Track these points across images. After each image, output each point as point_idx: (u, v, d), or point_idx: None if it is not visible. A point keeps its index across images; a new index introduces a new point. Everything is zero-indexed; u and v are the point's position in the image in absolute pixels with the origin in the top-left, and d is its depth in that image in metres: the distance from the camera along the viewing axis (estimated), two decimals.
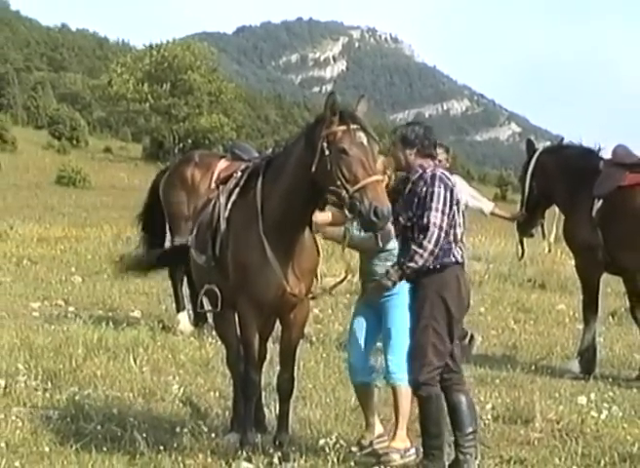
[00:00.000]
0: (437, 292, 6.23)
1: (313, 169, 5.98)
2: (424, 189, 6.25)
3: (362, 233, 6.35)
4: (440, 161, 9.74)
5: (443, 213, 6.19)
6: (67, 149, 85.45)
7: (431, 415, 6.28)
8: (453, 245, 6.29)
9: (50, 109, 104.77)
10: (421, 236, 6.15)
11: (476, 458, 6.52)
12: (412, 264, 6.16)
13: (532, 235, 10.55)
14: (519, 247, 10.58)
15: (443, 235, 6.18)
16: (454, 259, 6.29)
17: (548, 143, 10.79)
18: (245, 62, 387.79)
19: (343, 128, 5.98)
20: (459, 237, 6.38)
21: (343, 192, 5.89)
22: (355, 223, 6.23)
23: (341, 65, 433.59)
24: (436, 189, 6.24)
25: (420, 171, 6.36)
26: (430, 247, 6.14)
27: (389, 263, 6.48)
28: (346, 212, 5.97)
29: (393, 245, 6.59)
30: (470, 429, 6.42)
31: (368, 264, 6.79)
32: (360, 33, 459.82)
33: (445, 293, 6.24)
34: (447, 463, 6.41)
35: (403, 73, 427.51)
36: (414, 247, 6.16)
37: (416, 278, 6.30)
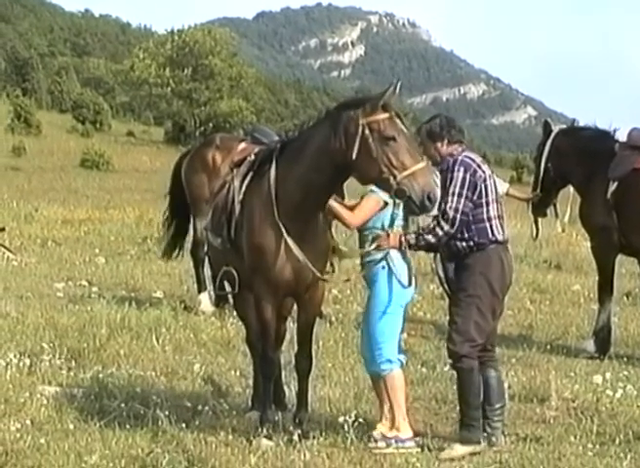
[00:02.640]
0: (481, 271, 6.46)
1: (354, 156, 6.08)
2: (447, 175, 6.50)
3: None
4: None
5: (460, 195, 6.42)
6: (91, 133, 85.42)
7: (472, 386, 6.50)
8: (488, 223, 6.51)
9: (74, 94, 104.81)
10: (441, 217, 6.40)
11: (503, 433, 6.70)
12: (428, 237, 6.44)
13: (545, 215, 10.61)
14: (534, 227, 10.66)
15: (459, 217, 6.41)
16: (493, 238, 6.50)
17: (564, 126, 10.79)
18: (265, 47, 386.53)
19: (386, 115, 6.11)
20: (492, 213, 6.54)
21: (391, 178, 6.01)
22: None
23: (360, 50, 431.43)
24: (455, 173, 6.48)
25: (450, 160, 6.56)
26: (446, 228, 6.40)
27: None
28: (393, 196, 6.15)
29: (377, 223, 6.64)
30: (499, 404, 6.68)
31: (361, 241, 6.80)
32: (378, 18, 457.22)
33: (489, 273, 6.46)
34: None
35: (420, 58, 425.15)
36: (434, 224, 6.43)
37: (460, 259, 6.53)
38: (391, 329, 6.64)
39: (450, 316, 6.66)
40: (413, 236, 6.44)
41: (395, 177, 6.02)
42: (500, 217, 6.63)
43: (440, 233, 6.41)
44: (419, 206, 6.04)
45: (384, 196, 6.43)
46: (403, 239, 6.43)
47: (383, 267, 6.58)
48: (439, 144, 6.65)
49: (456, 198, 6.43)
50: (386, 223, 6.55)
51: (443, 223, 6.38)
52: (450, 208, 6.39)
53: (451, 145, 6.64)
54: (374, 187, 6.45)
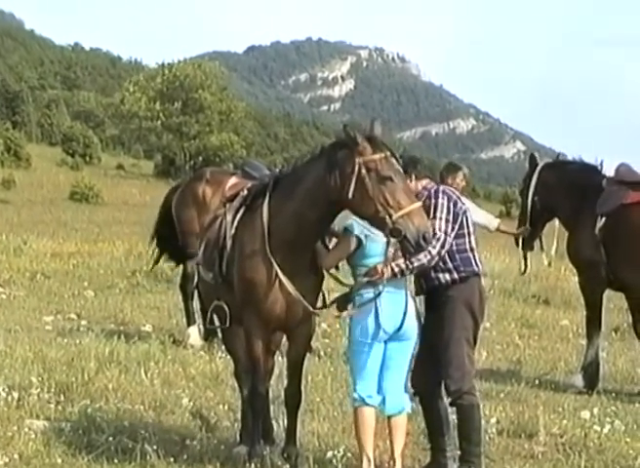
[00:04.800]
0: (465, 303, 6.53)
1: (350, 195, 6.13)
2: (430, 202, 6.56)
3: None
4: (451, 183, 9.85)
5: (447, 221, 6.52)
6: (81, 166, 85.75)
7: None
8: (471, 253, 6.62)
9: (63, 127, 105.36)
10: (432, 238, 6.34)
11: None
12: (420, 257, 6.33)
13: (532, 248, 10.64)
14: (522, 262, 10.68)
15: (449, 239, 6.49)
16: (476, 269, 6.61)
17: (550, 160, 10.85)
18: (255, 81, 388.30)
19: (381, 155, 6.17)
20: (473, 244, 6.66)
21: (387, 218, 6.06)
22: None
23: (350, 84, 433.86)
24: (440, 201, 6.58)
25: (426, 192, 6.64)
26: (438, 248, 6.42)
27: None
28: (387, 235, 6.13)
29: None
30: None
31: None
32: (368, 53, 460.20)
33: (472, 304, 6.55)
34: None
35: (410, 92, 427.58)
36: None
37: (440, 293, 6.56)
38: (362, 365, 6.48)
39: (438, 352, 6.62)
40: (402, 261, 6.35)
41: (391, 217, 6.05)
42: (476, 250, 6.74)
43: (434, 252, 6.39)
44: (414, 245, 6.07)
45: (359, 231, 6.38)
46: (394, 266, 6.32)
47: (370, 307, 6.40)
48: (407, 181, 6.70)
49: (444, 222, 6.51)
50: (379, 259, 6.39)
51: (435, 243, 6.37)
52: (439, 229, 6.45)
53: (419, 181, 6.72)
54: (348, 224, 6.45)
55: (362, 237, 6.40)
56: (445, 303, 6.56)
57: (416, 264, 6.37)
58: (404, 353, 6.53)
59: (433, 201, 6.56)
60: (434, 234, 6.36)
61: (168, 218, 12.12)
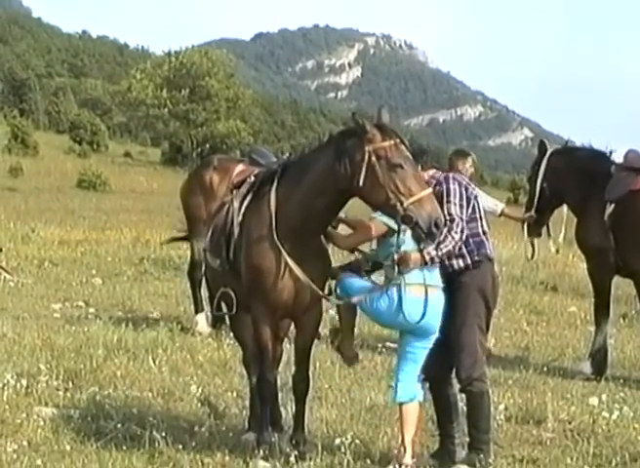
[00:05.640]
0: (477, 289, 6.51)
1: (361, 183, 6.10)
2: (440, 188, 6.53)
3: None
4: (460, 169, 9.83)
5: (461, 206, 6.50)
6: (88, 154, 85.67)
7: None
8: (484, 237, 6.61)
9: (71, 114, 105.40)
10: (447, 228, 6.31)
11: (489, 457, 6.64)
12: (446, 244, 6.28)
13: (540, 235, 10.63)
14: (529, 248, 10.65)
15: (464, 225, 6.44)
16: (489, 253, 6.59)
17: (559, 146, 10.81)
18: (262, 68, 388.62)
19: (391, 142, 6.14)
20: (486, 228, 6.66)
21: (398, 205, 6.03)
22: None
23: (357, 71, 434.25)
24: (451, 186, 6.57)
25: (434, 180, 6.63)
26: (458, 235, 6.38)
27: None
28: (399, 222, 6.07)
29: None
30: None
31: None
32: (375, 40, 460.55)
33: (484, 290, 6.54)
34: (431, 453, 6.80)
35: (417, 79, 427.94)
36: (443, 236, 6.28)
37: (452, 280, 6.50)
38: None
39: (449, 338, 6.58)
40: (432, 248, 6.26)
41: (402, 204, 6.02)
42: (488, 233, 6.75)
43: (457, 237, 6.36)
44: (426, 232, 6.03)
45: (390, 222, 6.33)
46: (425, 254, 6.26)
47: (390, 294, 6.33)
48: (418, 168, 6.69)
49: (458, 208, 6.49)
50: (393, 250, 6.32)
51: (453, 232, 6.35)
52: (456, 214, 6.42)
53: (426, 171, 6.71)
54: (377, 213, 6.42)
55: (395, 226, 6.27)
56: (458, 290, 6.52)
57: (444, 250, 6.33)
58: (424, 347, 6.50)
59: (445, 186, 6.54)
60: (453, 219, 6.36)
61: None
